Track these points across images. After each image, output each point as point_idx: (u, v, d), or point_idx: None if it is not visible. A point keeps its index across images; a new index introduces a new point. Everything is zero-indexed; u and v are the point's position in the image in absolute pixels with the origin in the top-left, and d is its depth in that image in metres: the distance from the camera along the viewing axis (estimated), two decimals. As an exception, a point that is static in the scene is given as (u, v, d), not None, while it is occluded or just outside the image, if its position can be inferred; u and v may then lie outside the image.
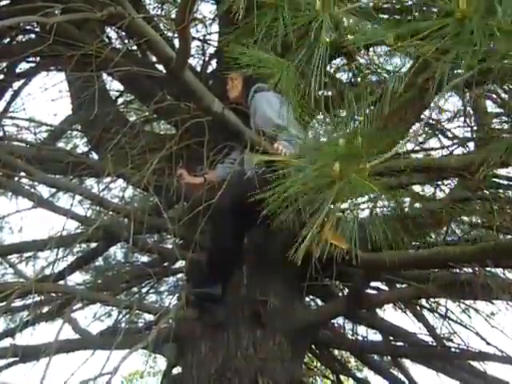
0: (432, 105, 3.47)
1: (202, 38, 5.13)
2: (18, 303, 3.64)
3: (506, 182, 3.59)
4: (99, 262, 5.41)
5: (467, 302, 4.22)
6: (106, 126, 3.88)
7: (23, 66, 4.87)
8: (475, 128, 4.19)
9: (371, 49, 3.57)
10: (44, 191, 4.57)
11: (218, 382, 2.96)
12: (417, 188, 3.91)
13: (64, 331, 2.80)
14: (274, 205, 1.46)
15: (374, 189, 1.32)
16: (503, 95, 4.12)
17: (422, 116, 3.08)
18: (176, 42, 3.81)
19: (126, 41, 4.73)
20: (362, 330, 4.54)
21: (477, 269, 3.30)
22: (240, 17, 1.60)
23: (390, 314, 4.68)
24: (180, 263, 4.05)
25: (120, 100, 5.52)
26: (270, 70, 1.65)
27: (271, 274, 3.36)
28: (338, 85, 3.52)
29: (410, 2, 2.33)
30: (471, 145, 4.12)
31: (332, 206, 1.34)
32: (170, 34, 4.51)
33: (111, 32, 4.77)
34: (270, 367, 3.04)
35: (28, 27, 4.37)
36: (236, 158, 3.47)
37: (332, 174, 1.31)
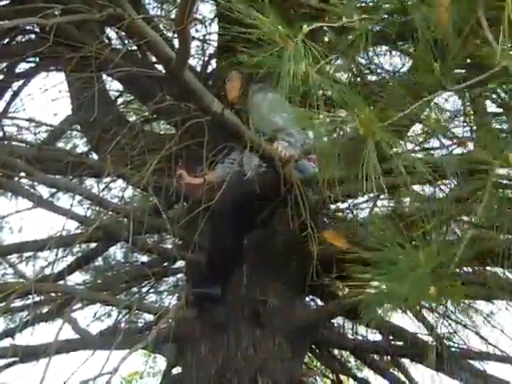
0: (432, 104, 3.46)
1: (201, 37, 5.13)
2: (17, 303, 3.63)
3: (505, 182, 3.58)
4: (99, 262, 5.42)
5: (467, 301, 4.22)
6: (105, 126, 3.88)
7: (23, 67, 4.89)
8: (475, 128, 4.19)
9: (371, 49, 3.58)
10: (44, 191, 4.57)
11: (218, 382, 2.96)
12: (417, 188, 3.91)
13: (64, 331, 2.80)
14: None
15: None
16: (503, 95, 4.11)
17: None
18: (176, 42, 3.81)
19: (126, 41, 4.73)
20: (361, 329, 4.55)
21: (476, 268, 3.30)
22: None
23: (390, 313, 4.68)
24: (180, 263, 4.06)
25: (120, 100, 5.53)
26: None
27: (271, 274, 3.36)
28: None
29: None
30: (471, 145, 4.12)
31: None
32: (169, 35, 4.51)
33: (111, 32, 4.77)
34: (270, 367, 3.04)
35: (28, 27, 4.37)
36: (236, 158, 3.48)
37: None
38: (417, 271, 1.26)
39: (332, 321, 4.42)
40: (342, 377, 4.94)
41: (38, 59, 4.60)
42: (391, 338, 4.18)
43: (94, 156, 4.56)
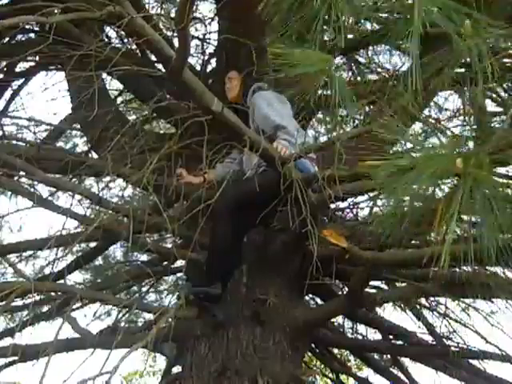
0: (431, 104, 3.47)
1: (201, 36, 5.13)
2: (17, 302, 3.63)
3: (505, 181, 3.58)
4: (99, 261, 5.42)
5: (467, 300, 4.22)
6: (105, 125, 3.88)
7: (23, 65, 4.88)
8: (474, 127, 4.19)
9: (370, 48, 3.57)
10: (44, 190, 4.57)
11: (218, 382, 2.96)
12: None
13: (64, 330, 2.80)
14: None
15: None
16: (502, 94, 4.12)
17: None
18: (175, 41, 3.81)
19: (126, 40, 4.72)
20: (361, 328, 4.55)
21: (476, 267, 3.29)
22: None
23: (390, 312, 4.69)
24: (180, 262, 4.06)
25: (119, 99, 5.53)
26: (318, 68, 1.62)
27: (271, 273, 3.36)
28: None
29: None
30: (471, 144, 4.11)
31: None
32: (169, 33, 4.51)
33: (111, 31, 4.77)
34: (270, 366, 3.04)
35: (28, 26, 4.36)
36: (235, 157, 3.48)
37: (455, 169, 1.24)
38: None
39: (332, 320, 4.42)
40: (342, 376, 4.95)
41: (37, 58, 4.60)
42: (391, 337, 4.19)
43: (94, 155, 4.56)
